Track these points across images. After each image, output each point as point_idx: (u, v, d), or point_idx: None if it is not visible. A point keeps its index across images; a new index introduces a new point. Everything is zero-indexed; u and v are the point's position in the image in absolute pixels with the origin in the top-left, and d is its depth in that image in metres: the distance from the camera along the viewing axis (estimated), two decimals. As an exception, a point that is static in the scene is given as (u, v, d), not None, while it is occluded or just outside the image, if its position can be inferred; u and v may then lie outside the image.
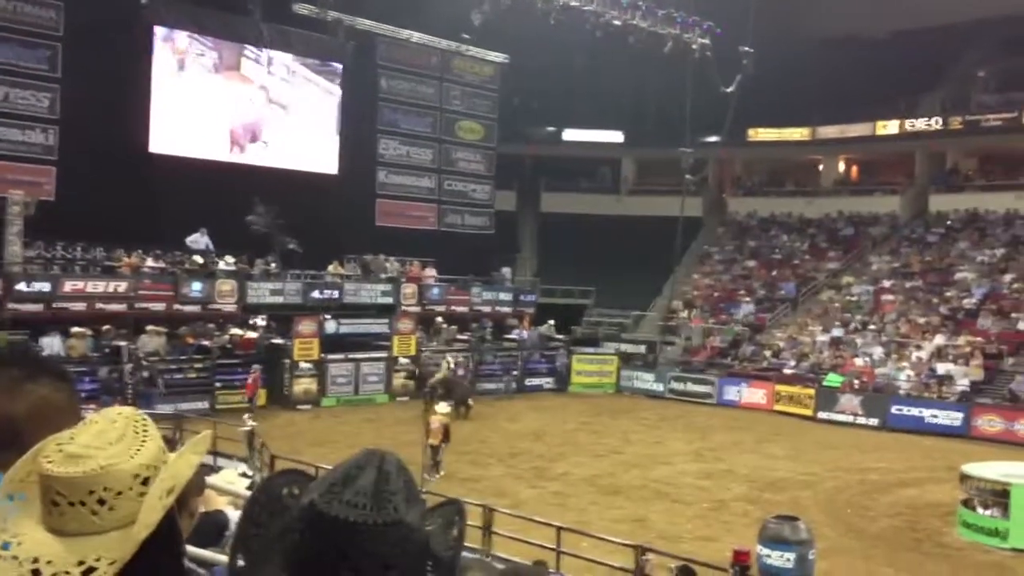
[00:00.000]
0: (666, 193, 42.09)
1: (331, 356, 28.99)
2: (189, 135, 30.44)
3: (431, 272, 34.99)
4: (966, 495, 16.94)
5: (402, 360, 30.55)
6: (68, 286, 25.65)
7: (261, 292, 29.57)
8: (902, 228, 41.16)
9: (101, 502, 1.29)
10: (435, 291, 34.52)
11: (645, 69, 39.18)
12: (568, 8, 32.13)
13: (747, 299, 38.84)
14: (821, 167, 46.62)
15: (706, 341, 36.38)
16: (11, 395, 1.67)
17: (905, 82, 41.14)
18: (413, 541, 1.31)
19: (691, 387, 33.26)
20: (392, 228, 35.60)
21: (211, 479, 5.72)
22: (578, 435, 25.69)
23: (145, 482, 1.32)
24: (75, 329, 24.85)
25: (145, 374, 25.07)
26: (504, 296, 37.15)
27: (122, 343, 25.26)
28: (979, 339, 30.78)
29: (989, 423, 27.10)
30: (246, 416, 24.49)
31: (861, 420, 28.87)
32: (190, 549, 1.88)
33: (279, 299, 29.90)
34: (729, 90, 35.72)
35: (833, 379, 30.66)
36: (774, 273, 40.72)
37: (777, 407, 30.74)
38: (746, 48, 35.03)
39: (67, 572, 1.25)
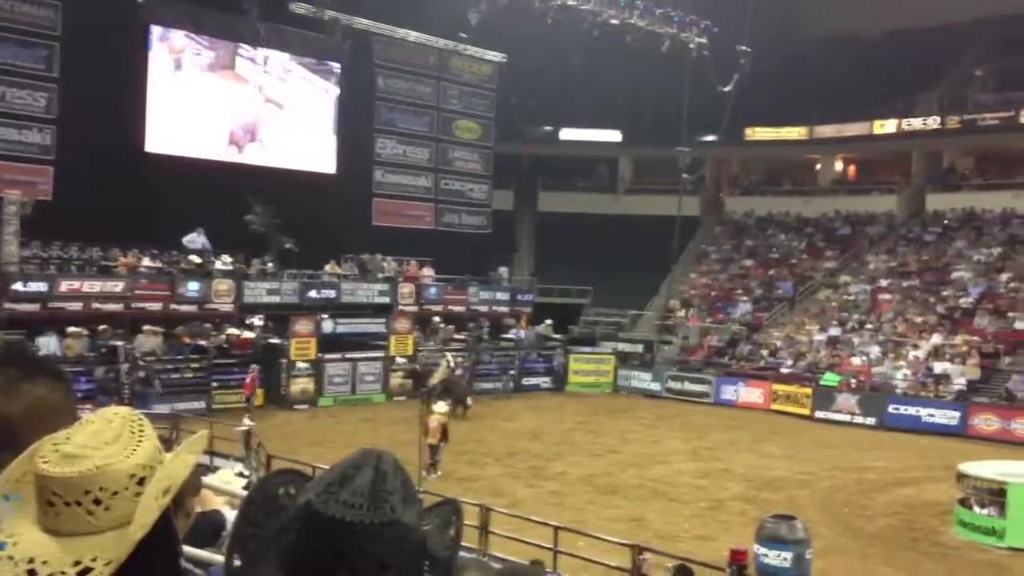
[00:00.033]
0: (663, 192, 42.12)
1: (328, 356, 28.99)
2: (186, 135, 30.42)
3: (428, 272, 34.98)
4: (963, 494, 16.95)
5: (399, 360, 30.54)
6: (64, 286, 25.62)
7: (258, 292, 29.55)
8: (899, 227, 41.21)
9: (97, 502, 1.28)
10: (432, 291, 34.51)
11: (642, 68, 39.20)
12: (565, 7, 32.15)
13: (744, 298, 38.86)
14: (818, 166, 46.67)
15: (703, 340, 36.40)
16: (7, 395, 1.66)
17: (902, 81, 41.20)
18: (410, 541, 1.30)
19: (688, 386, 33.27)
20: (389, 228, 35.59)
21: (208, 479, 5.72)
22: (575, 434, 25.70)
23: (141, 482, 1.31)
24: (71, 329, 24.83)
25: (141, 374, 25.04)
26: (501, 296, 37.15)
27: (119, 343, 25.24)
28: (976, 338, 30.83)
29: (986, 422, 27.14)
30: (245, 416, 24.60)
31: (858, 419, 28.89)
32: (186, 549, 1.88)
33: (276, 299, 29.88)
34: (726, 89, 35.77)
35: (830, 378, 30.68)
36: (771, 272, 40.74)
37: (774, 406, 30.76)
38: (743, 47, 35.08)
39: (63, 572, 1.25)
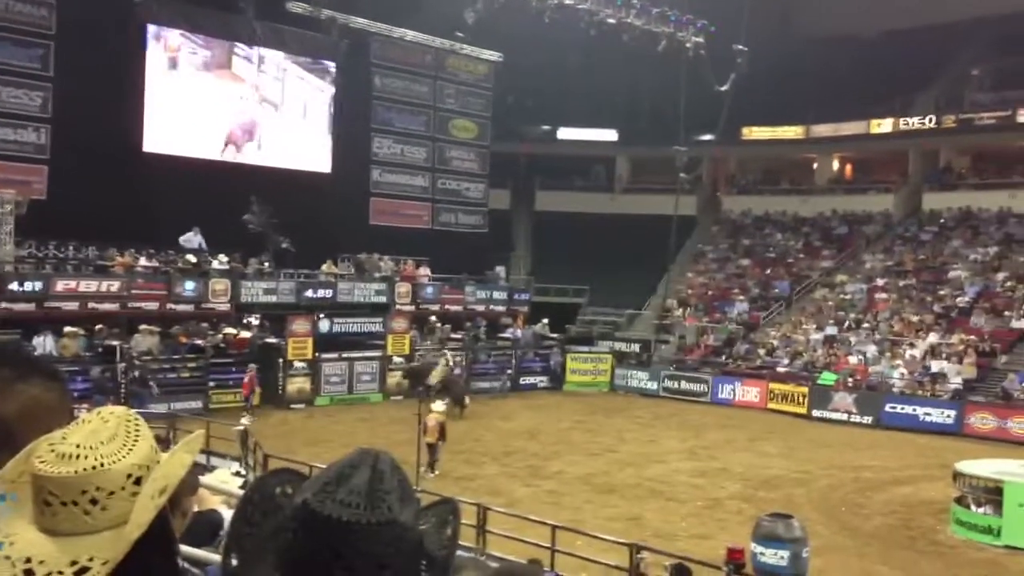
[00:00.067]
0: (660, 192, 42.15)
1: (325, 355, 28.97)
2: (182, 134, 30.37)
3: (425, 271, 34.97)
4: (959, 493, 16.98)
5: (396, 359, 30.53)
6: (60, 285, 25.56)
7: (254, 291, 29.52)
8: (896, 226, 41.26)
9: (94, 502, 1.28)
10: (429, 290, 34.50)
11: (639, 67, 39.21)
12: (562, 6, 32.14)
13: (741, 298, 38.88)
14: (815, 165, 46.71)
15: (700, 340, 36.42)
16: (2, 395, 1.66)
17: (899, 80, 41.25)
18: (407, 540, 1.30)
19: (685, 385, 33.30)
20: (386, 227, 35.57)
21: (204, 478, 5.71)
22: (572, 434, 25.71)
23: (138, 482, 1.31)
24: (68, 329, 24.78)
25: (136, 374, 25.00)
26: (498, 295, 37.15)
27: (115, 342, 25.20)
28: (972, 337, 30.86)
29: (982, 421, 27.18)
30: (246, 415, 24.64)
31: (855, 418, 28.92)
32: (184, 548, 1.88)
33: (272, 298, 29.86)
34: (723, 88, 35.77)
35: (827, 377, 30.71)
36: (768, 271, 40.77)
37: (771, 405, 30.78)
38: (740, 46, 35.08)
39: (60, 572, 1.24)
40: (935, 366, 29.84)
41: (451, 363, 29.33)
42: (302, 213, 29.49)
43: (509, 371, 33.58)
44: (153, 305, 27.25)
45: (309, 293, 30.67)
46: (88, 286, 26.09)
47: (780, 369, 32.35)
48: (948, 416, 27.70)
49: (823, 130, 43.41)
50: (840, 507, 18.68)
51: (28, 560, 1.24)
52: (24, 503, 1.31)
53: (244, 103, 32.33)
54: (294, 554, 1.29)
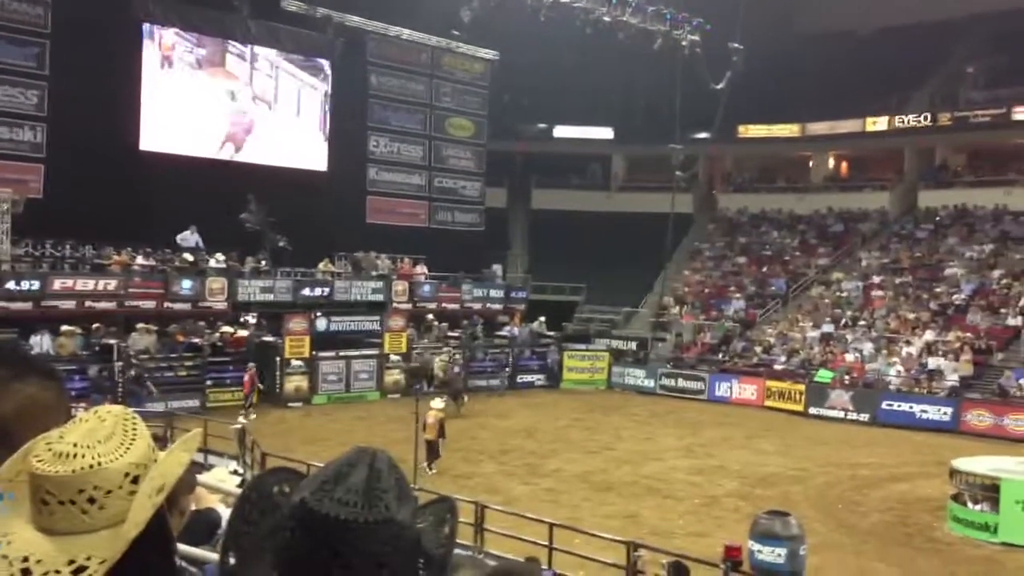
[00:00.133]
0: (656, 190, 42.18)
1: (322, 353, 28.97)
2: (177, 132, 30.33)
3: (422, 269, 34.98)
4: (956, 490, 16.99)
5: (393, 357, 30.53)
6: (57, 284, 25.55)
7: (251, 290, 29.51)
8: (892, 224, 41.30)
9: (91, 501, 1.28)
10: (426, 288, 34.51)
11: (635, 66, 39.22)
12: (558, 5, 32.15)
13: (738, 295, 38.92)
14: (811, 163, 46.73)
15: (697, 337, 36.43)
16: (-1, 394, 1.66)
17: (894, 78, 41.27)
18: (405, 539, 1.30)
19: (682, 383, 33.32)
20: (383, 225, 35.56)
21: (202, 477, 5.71)
22: (570, 432, 25.72)
23: (135, 480, 1.31)
24: (65, 327, 24.78)
25: (132, 373, 24.98)
26: (495, 293, 37.16)
27: (112, 341, 25.19)
28: (968, 334, 30.88)
29: (978, 418, 27.21)
30: (248, 413, 24.68)
31: (851, 415, 28.96)
32: (181, 547, 1.87)
33: (270, 296, 29.85)
34: (719, 87, 35.80)
35: (823, 375, 30.75)
36: (764, 269, 40.80)
37: (768, 403, 30.82)
38: (736, 45, 35.09)
39: (57, 571, 1.24)
40: (931, 363, 29.87)
41: (451, 359, 29.39)
42: (299, 211, 29.49)
43: (506, 369, 33.59)
44: (150, 304, 27.23)
45: (306, 291, 30.66)
46: (85, 285, 26.08)
47: (777, 367, 32.38)
48: (945, 413, 27.74)
49: (819, 128, 43.42)
50: (837, 504, 18.69)
51: (25, 559, 1.24)
52: (21, 502, 1.31)
53: (238, 101, 32.29)
54: (292, 553, 1.29)
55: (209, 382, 26.86)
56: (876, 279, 36.90)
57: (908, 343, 31.42)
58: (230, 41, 31.89)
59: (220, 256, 29.39)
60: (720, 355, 34.81)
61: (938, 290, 34.65)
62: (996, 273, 34.60)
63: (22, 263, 26.17)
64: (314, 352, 28.75)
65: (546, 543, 13.02)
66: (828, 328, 33.89)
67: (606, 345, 36.05)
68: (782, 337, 34.46)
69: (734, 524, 15.65)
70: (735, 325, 36.56)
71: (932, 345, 30.82)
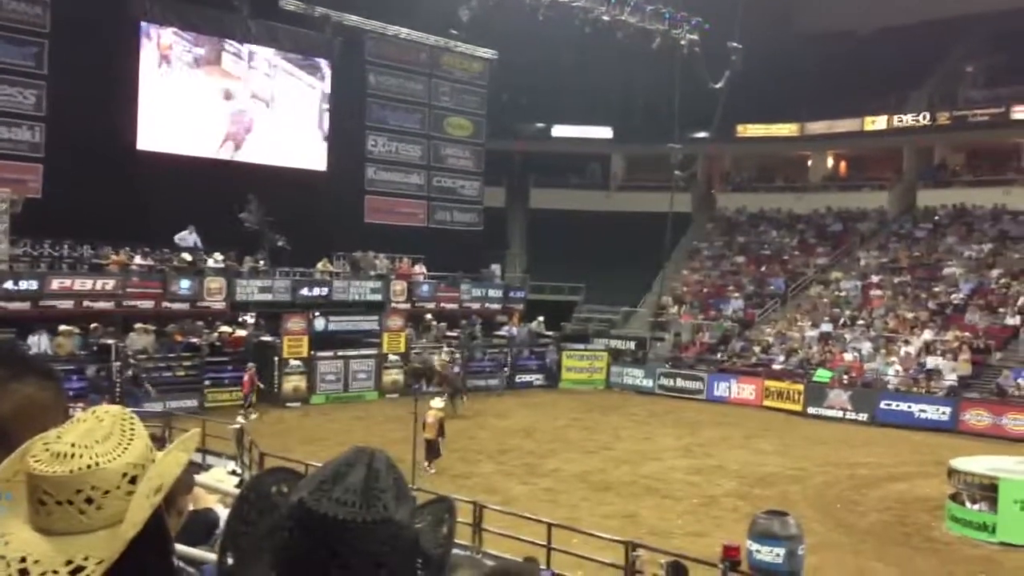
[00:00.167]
0: (655, 189, 42.17)
1: (320, 353, 28.95)
2: (175, 132, 30.31)
3: (420, 269, 34.97)
4: (954, 489, 17.00)
5: (392, 357, 30.52)
6: (55, 284, 25.54)
7: (250, 289, 29.50)
8: (890, 223, 41.31)
9: (89, 501, 1.28)
10: (425, 288, 34.51)
11: (634, 65, 39.20)
12: (556, 4, 32.14)
13: (736, 295, 38.93)
14: (810, 163, 46.75)
15: (695, 337, 36.44)
16: (-3, 394, 1.65)
17: (893, 78, 41.30)
18: (403, 539, 1.30)
19: (681, 383, 33.33)
20: (381, 225, 35.54)
21: (200, 477, 5.71)
22: (568, 431, 25.72)
23: (133, 480, 1.31)
24: (63, 327, 24.76)
25: (130, 372, 24.96)
26: (494, 293, 37.16)
27: (110, 341, 25.17)
28: (967, 334, 30.89)
29: (977, 418, 27.22)
30: (250, 413, 24.69)
31: (850, 415, 28.97)
32: (179, 547, 1.87)
33: (268, 296, 29.84)
34: (718, 86, 35.79)
35: (822, 374, 30.76)
36: (763, 269, 40.81)
37: (766, 403, 30.83)
38: (734, 44, 35.09)
39: (55, 571, 1.24)
40: (930, 363, 29.88)
41: (450, 358, 29.41)
42: (297, 211, 29.48)
43: (505, 369, 33.59)
44: (148, 303, 27.22)
45: (304, 291, 30.65)
46: (83, 285, 26.07)
47: (775, 366, 32.39)
48: (943, 413, 27.76)
49: (817, 127, 43.44)
50: (835, 504, 18.70)
51: (23, 559, 1.24)
52: (19, 502, 1.31)
53: (236, 100, 32.27)
54: (290, 553, 1.29)
55: (207, 382, 26.85)
56: (875, 278, 36.92)
57: (907, 343, 31.43)
58: (227, 41, 31.87)
59: (218, 256, 29.39)
60: (719, 355, 34.82)
61: (937, 289, 34.67)
62: (995, 272, 34.63)
63: (20, 263, 26.15)
64: (312, 352, 28.73)
65: (544, 543, 13.02)
66: (827, 328, 33.91)
67: (605, 345, 36.04)
68: (781, 337, 34.47)
69: (732, 524, 15.65)
70: (734, 325, 36.58)
71: (931, 345, 30.83)
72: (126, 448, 1.32)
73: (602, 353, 35.40)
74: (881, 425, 27.86)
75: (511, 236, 45.95)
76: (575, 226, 42.02)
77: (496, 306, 36.90)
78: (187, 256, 28.73)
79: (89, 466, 1.28)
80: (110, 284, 26.55)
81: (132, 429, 1.36)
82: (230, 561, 1.36)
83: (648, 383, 33.92)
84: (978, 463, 17.29)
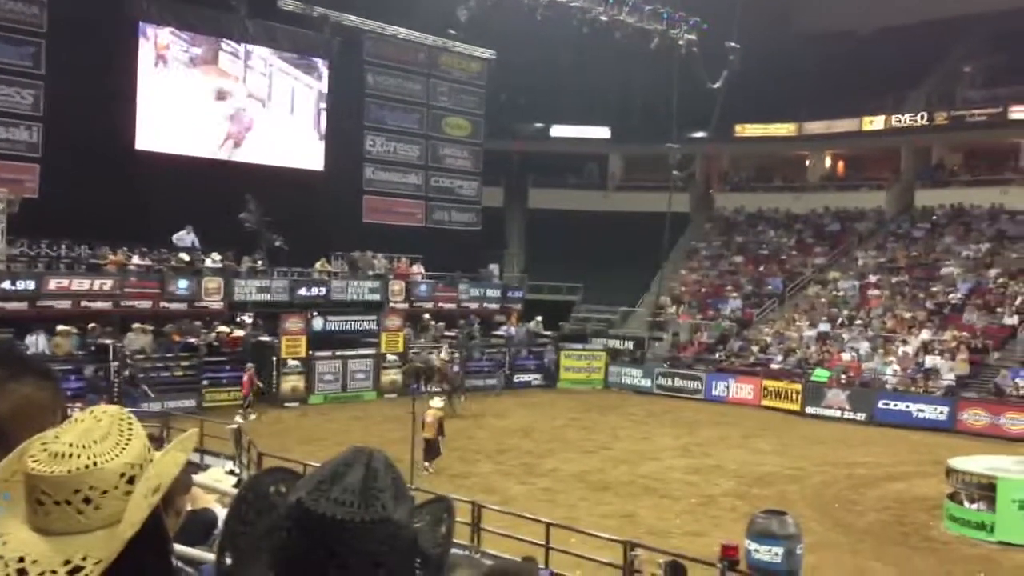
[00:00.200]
0: (653, 189, 42.19)
1: (319, 353, 28.94)
2: (174, 131, 30.30)
3: (419, 269, 34.97)
4: (952, 489, 17.02)
5: (390, 357, 30.51)
6: (53, 284, 25.52)
7: (248, 289, 29.49)
8: (888, 223, 41.34)
9: (87, 501, 1.28)
10: (423, 288, 34.50)
11: (632, 65, 39.22)
12: (554, 4, 32.15)
13: (734, 295, 38.95)
14: (808, 163, 46.78)
15: (694, 337, 36.45)
16: (-6, 394, 1.65)
17: (891, 78, 41.33)
18: (401, 538, 1.30)
19: (679, 383, 33.34)
20: (379, 225, 35.53)
21: (198, 477, 5.71)
22: (567, 431, 25.72)
23: (131, 480, 1.31)
24: (60, 327, 24.74)
25: (127, 373, 24.94)
26: (492, 292, 37.16)
27: (108, 341, 25.16)
28: (965, 334, 30.92)
29: (975, 417, 27.24)
30: (248, 413, 24.66)
31: (848, 415, 28.99)
32: (178, 547, 1.87)
33: (266, 296, 29.83)
34: (716, 86, 35.81)
35: (820, 374, 30.78)
36: (761, 268, 40.84)
37: (764, 402, 30.84)
38: (732, 44, 35.11)
39: (53, 571, 1.24)
40: (928, 362, 29.90)
41: (450, 357, 29.43)
42: (295, 211, 29.46)
43: (506, 371, 33.58)
44: (146, 303, 27.20)
45: (303, 291, 30.64)
46: (81, 284, 26.05)
47: (773, 366, 32.41)
48: (941, 412, 27.77)
49: (815, 127, 43.47)
50: (833, 504, 18.71)
51: (21, 559, 1.24)
52: (17, 502, 1.31)
53: (233, 99, 32.25)
54: (288, 553, 1.29)
55: (205, 382, 26.83)
56: (873, 278, 36.94)
57: (904, 342, 31.45)
58: (224, 40, 31.85)
59: (216, 256, 29.36)
60: (717, 354, 34.82)
61: (934, 289, 34.70)
62: (992, 272, 34.66)
63: (18, 263, 26.14)
64: (310, 352, 28.72)
65: (543, 543, 13.02)
66: (825, 327, 33.93)
67: (603, 345, 36.04)
68: (779, 336, 34.50)
69: (731, 523, 15.65)
70: (732, 324, 36.59)
71: (928, 344, 30.85)
72: (124, 448, 1.32)
73: (600, 353, 35.41)
74: (879, 425, 27.87)
75: (509, 236, 45.95)
76: (573, 226, 42.04)
77: (494, 306, 36.90)
78: (185, 256, 28.73)
79: (87, 466, 1.28)
80: (108, 284, 26.53)
81: (130, 429, 1.35)
82: (228, 561, 1.36)
83: (646, 383, 33.93)
84: (976, 462, 17.31)
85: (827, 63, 42.46)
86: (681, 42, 34.57)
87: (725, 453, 23.17)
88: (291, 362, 28.37)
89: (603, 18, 33.05)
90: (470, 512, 13.67)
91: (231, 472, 12.14)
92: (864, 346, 31.99)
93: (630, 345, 36.31)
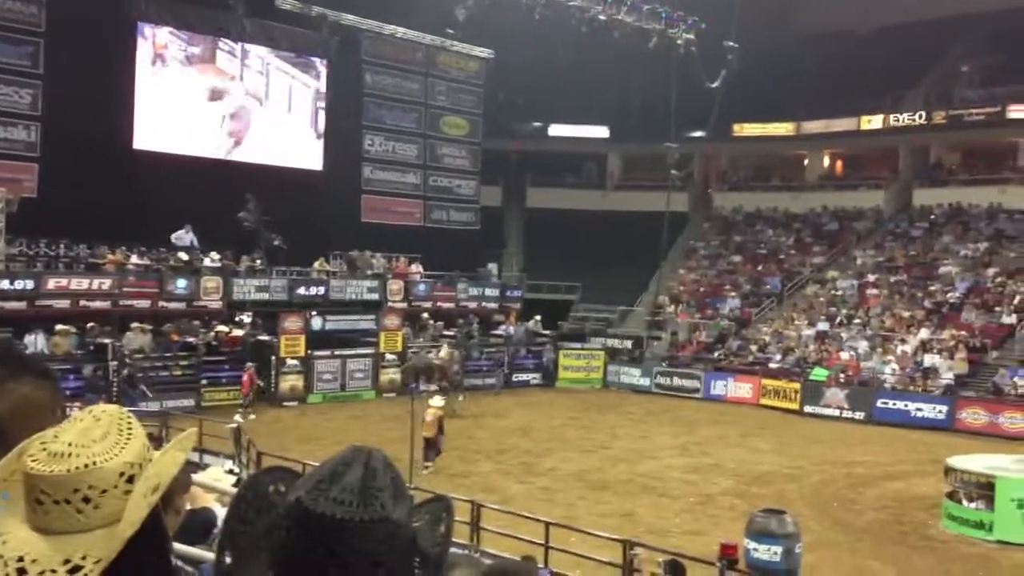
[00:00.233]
0: (652, 188, 42.20)
1: (317, 352, 28.93)
2: (172, 131, 30.29)
3: (417, 268, 34.95)
4: (951, 488, 17.02)
5: (389, 356, 30.51)
6: (52, 283, 25.51)
7: (247, 289, 29.48)
8: (886, 222, 41.36)
9: (86, 500, 1.28)
10: (421, 287, 34.49)
11: (630, 64, 39.22)
12: (553, 3, 32.14)
13: (733, 294, 38.95)
14: (806, 162, 46.80)
15: (692, 336, 36.46)
16: (-7, 394, 1.65)
17: (889, 77, 41.35)
18: (400, 538, 1.30)
19: (677, 382, 33.34)
20: (378, 224, 35.52)
21: (197, 476, 5.71)
22: (565, 430, 25.72)
23: (130, 480, 1.31)
24: (59, 327, 24.72)
25: (126, 372, 24.93)
26: (490, 292, 37.15)
27: (107, 340, 25.14)
28: (963, 333, 30.94)
29: (973, 416, 27.25)
30: (248, 413, 24.66)
31: (847, 414, 28.99)
32: (177, 547, 1.87)
33: (265, 296, 29.82)
34: (714, 85, 35.81)
35: (819, 373, 30.79)
36: (760, 268, 40.85)
37: (763, 401, 30.84)
38: (731, 43, 35.10)
39: (52, 571, 1.24)
40: (927, 361, 29.91)
41: (450, 356, 29.44)
42: (294, 210, 29.45)
43: (505, 371, 33.57)
44: (145, 303, 27.19)
45: (301, 290, 30.63)
46: (79, 284, 26.04)
47: (772, 365, 32.41)
48: (940, 411, 27.78)
49: (814, 127, 43.49)
50: (832, 503, 18.72)
51: (20, 559, 1.24)
52: (16, 502, 1.31)
53: (231, 99, 32.23)
54: (288, 552, 1.29)
55: (204, 381, 26.80)
56: (871, 277, 36.96)
57: (903, 341, 31.46)
58: (222, 39, 31.84)
59: (215, 255, 29.35)
60: (715, 354, 34.82)
61: (933, 288, 34.71)
62: (991, 271, 34.68)
63: (16, 262, 26.14)
64: (309, 351, 28.70)
65: (542, 542, 13.02)
66: (823, 326, 33.94)
67: (601, 344, 36.03)
68: (777, 335, 34.51)
69: (730, 522, 15.65)
70: (730, 324, 36.60)
71: (927, 343, 30.86)
72: (123, 447, 1.32)
73: (599, 352, 35.40)
74: (878, 423, 27.88)
75: (508, 235, 45.95)
76: (572, 225, 42.05)
77: (493, 305, 36.89)
78: (183, 255, 28.71)
79: (86, 465, 1.28)
80: (106, 283, 26.52)
81: (129, 428, 1.36)
82: (228, 560, 1.36)
83: (645, 382, 33.93)
84: (975, 461, 17.31)
85: (825, 62, 42.47)
86: (680, 41, 34.57)
87: (724, 452, 23.17)
88: (290, 361, 28.36)
89: (601, 17, 33.04)
90: (469, 511, 13.67)
91: (230, 471, 12.16)
92: (863, 345, 32.00)
93: (629, 344, 36.30)
